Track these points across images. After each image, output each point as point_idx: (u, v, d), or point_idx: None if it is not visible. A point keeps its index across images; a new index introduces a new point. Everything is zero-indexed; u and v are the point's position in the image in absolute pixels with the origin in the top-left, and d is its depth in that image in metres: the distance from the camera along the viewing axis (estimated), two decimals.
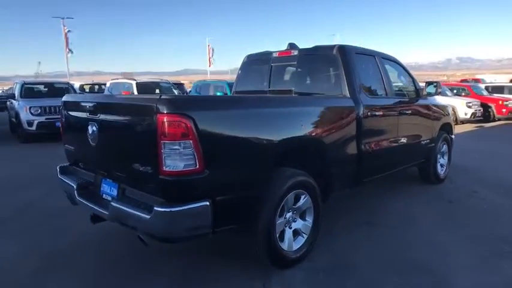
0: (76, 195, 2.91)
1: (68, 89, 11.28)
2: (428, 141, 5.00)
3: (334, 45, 3.83)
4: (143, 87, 11.27)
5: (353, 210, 4.34)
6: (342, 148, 3.50)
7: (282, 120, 2.91)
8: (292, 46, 4.37)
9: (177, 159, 2.21)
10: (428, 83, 4.76)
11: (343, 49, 3.75)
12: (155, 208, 2.23)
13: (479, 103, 13.77)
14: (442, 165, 5.51)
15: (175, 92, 12.29)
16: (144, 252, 3.07)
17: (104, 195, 2.84)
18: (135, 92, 10.87)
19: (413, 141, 4.63)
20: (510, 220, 4.08)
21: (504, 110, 14.16)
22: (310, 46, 4.15)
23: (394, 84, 4.48)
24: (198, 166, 2.25)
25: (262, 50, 4.67)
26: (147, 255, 3.12)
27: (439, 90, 4.90)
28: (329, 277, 2.85)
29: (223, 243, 3.35)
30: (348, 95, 3.60)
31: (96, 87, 22.58)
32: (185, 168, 2.23)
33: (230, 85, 10.64)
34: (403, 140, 4.38)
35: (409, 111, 4.53)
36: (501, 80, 28.98)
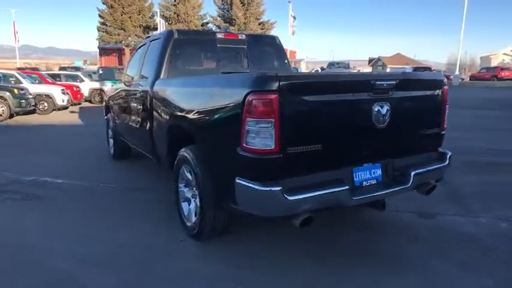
0: (352, 196, 2.57)
1: None
2: None
3: (275, 36, 5.14)
4: None
5: None
6: None
7: None
8: (227, 30, 5.09)
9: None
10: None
11: (279, 39, 5.06)
12: (448, 155, 3.20)
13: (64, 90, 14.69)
14: None
15: None
16: None
17: (364, 182, 2.75)
18: None
19: None
20: None
21: (79, 96, 16.10)
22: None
23: None
24: None
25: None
26: None
27: None
28: None
29: None
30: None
31: None
32: None
33: None
34: None
35: None
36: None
